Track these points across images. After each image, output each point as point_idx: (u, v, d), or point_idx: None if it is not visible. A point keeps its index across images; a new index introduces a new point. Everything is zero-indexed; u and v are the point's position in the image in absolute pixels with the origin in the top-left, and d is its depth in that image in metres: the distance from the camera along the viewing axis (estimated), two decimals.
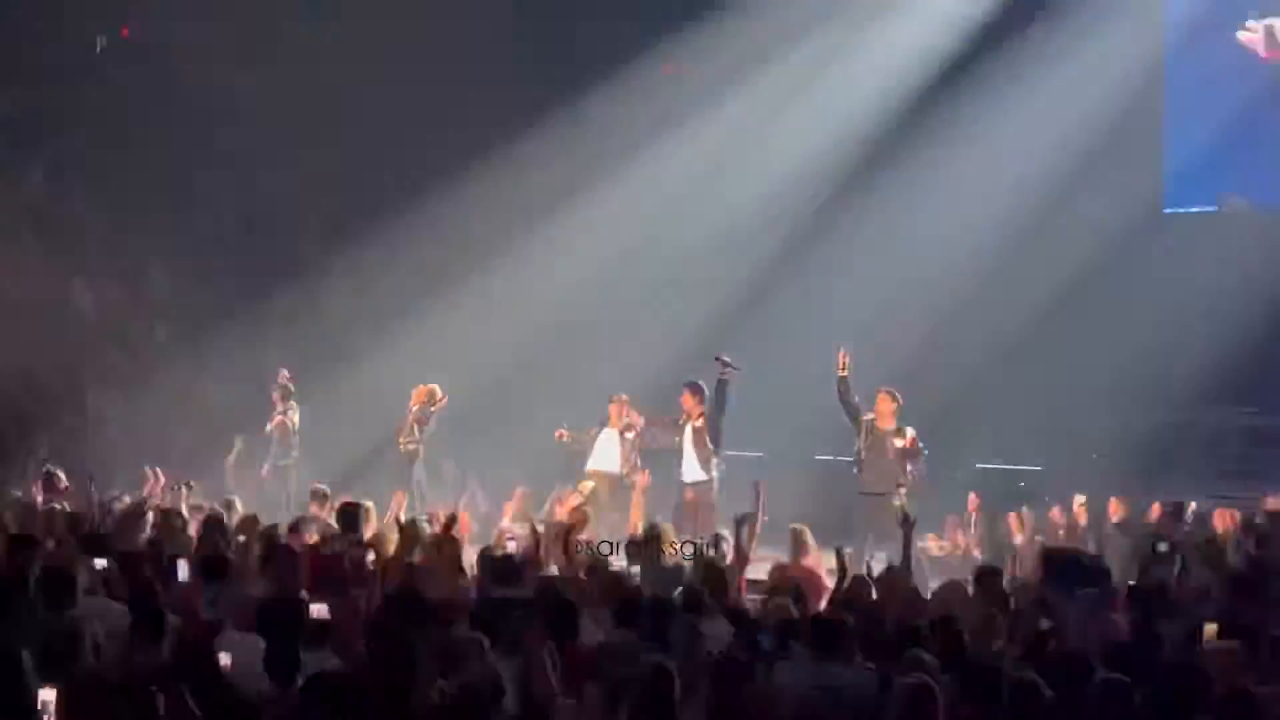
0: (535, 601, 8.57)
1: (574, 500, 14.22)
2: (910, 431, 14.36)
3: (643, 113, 19.15)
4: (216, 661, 7.12)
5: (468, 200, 19.09)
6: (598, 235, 19.05)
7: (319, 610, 8.06)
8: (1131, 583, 10.16)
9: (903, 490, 14.09)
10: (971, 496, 15.56)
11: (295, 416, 17.24)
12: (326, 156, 19.61)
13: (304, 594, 8.67)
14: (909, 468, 14.24)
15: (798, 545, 11.60)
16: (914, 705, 6.63)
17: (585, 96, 18.99)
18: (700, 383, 15.09)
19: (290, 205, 20.06)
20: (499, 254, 19.33)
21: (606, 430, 15.49)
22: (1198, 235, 19.05)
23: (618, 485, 15.33)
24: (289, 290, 19.71)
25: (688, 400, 15.05)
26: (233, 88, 19.42)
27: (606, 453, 15.49)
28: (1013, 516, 15.04)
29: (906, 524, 10.46)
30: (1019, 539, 14.58)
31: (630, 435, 15.46)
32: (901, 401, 14.48)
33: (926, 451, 14.39)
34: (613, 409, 15.57)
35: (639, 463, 15.42)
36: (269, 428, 17.14)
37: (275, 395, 17.26)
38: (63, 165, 18.96)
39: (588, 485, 15.23)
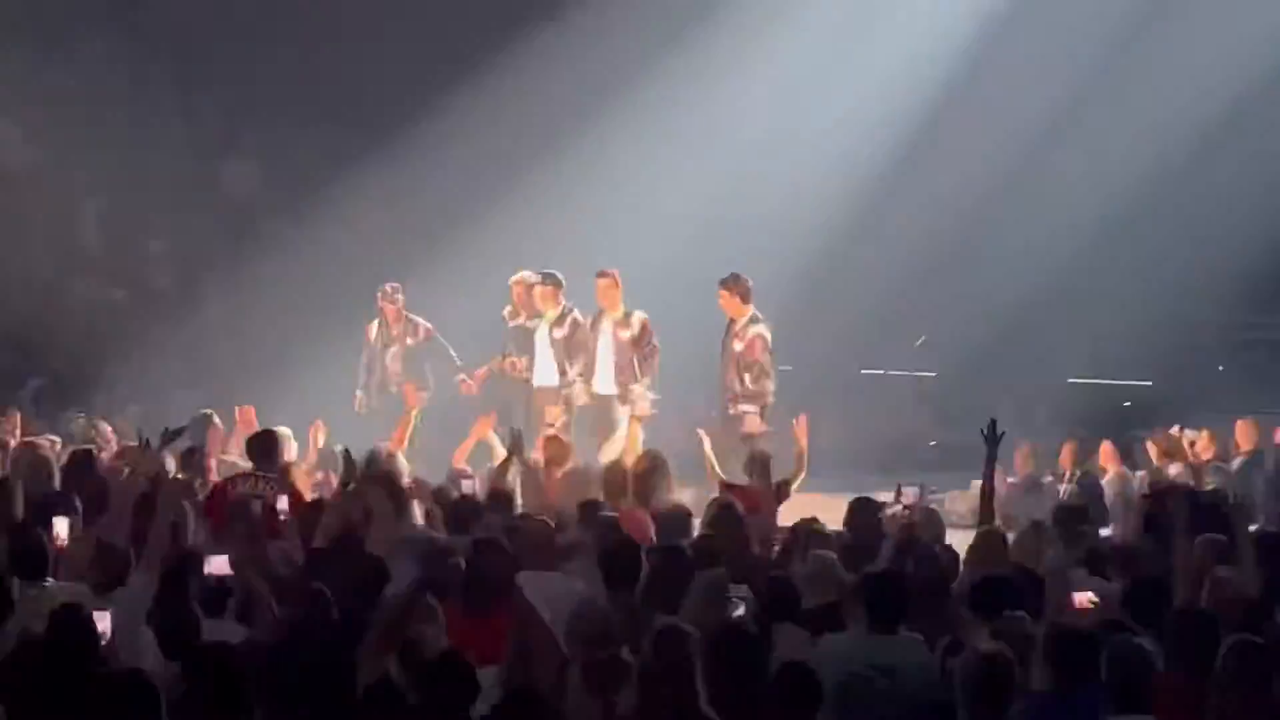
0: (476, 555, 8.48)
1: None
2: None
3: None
4: (93, 631, 7.05)
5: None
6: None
7: (218, 565, 8.01)
8: (1267, 529, 10.10)
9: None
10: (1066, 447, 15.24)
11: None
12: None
13: (199, 546, 8.64)
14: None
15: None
16: (989, 680, 6.58)
17: None
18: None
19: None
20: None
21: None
22: None
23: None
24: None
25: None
26: None
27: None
28: (1106, 447, 14.94)
29: (993, 438, 10.22)
30: (1114, 473, 14.49)
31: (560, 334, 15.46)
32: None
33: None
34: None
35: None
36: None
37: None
38: None
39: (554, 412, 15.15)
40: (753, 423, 14.58)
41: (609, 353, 15.24)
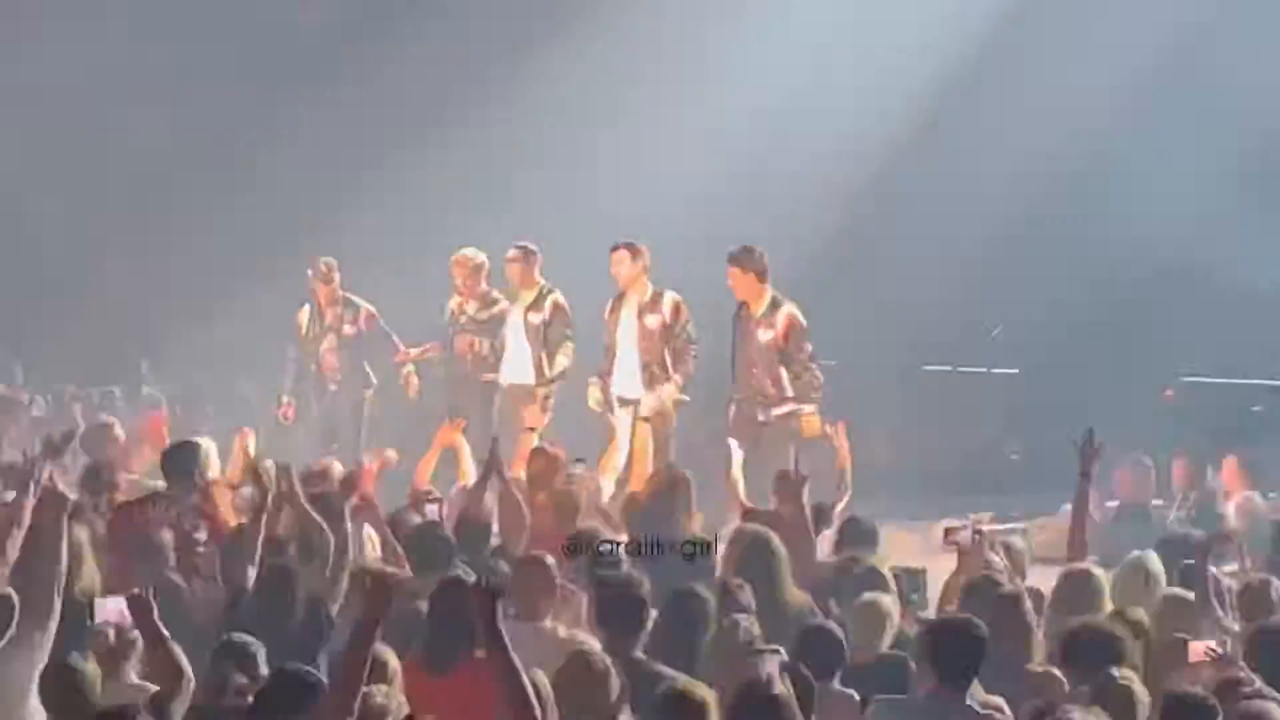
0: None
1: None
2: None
3: None
4: None
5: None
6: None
7: (113, 611, 8.02)
8: None
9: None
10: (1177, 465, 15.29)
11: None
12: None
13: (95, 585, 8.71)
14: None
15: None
16: None
17: None
18: None
19: None
20: None
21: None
22: None
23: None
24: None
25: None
26: None
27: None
28: (1230, 463, 14.96)
29: (1089, 452, 10.23)
30: (1239, 499, 14.52)
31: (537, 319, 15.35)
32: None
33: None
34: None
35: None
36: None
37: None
38: None
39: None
40: (812, 424, 14.32)
41: (631, 346, 14.89)
